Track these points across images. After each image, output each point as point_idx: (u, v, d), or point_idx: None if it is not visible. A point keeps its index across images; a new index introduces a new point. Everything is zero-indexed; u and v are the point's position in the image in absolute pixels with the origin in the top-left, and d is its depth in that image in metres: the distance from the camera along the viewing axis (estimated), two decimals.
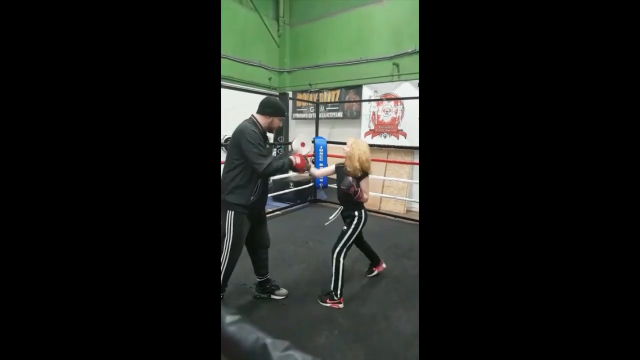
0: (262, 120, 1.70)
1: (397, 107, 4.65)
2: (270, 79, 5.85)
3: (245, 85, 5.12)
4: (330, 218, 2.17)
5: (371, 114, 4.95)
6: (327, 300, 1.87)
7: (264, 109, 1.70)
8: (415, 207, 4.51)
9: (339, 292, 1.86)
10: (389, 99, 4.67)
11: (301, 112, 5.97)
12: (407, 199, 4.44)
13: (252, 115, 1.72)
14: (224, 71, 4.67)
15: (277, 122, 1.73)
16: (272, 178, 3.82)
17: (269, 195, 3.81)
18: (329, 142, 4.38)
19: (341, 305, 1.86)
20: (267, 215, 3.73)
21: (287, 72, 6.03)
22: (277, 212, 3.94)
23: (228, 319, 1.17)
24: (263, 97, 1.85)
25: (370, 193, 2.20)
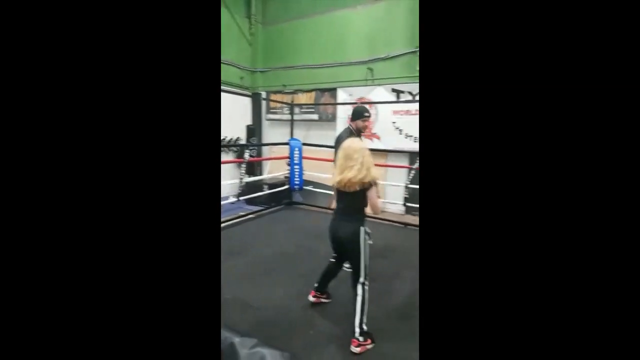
0: (353, 125, 2.19)
1: (371, 110, 4.74)
2: (242, 78, 5.71)
3: None
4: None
5: (347, 117, 4.99)
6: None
7: (352, 115, 2.22)
8: (390, 208, 4.60)
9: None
10: (363, 103, 4.74)
11: (275, 113, 5.88)
12: (382, 200, 4.52)
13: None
14: None
15: (360, 123, 2.18)
16: (245, 180, 3.71)
17: (242, 198, 3.72)
18: (304, 144, 4.35)
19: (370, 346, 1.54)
20: (240, 219, 3.63)
21: (260, 72, 5.92)
22: (251, 216, 3.82)
23: None
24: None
25: None
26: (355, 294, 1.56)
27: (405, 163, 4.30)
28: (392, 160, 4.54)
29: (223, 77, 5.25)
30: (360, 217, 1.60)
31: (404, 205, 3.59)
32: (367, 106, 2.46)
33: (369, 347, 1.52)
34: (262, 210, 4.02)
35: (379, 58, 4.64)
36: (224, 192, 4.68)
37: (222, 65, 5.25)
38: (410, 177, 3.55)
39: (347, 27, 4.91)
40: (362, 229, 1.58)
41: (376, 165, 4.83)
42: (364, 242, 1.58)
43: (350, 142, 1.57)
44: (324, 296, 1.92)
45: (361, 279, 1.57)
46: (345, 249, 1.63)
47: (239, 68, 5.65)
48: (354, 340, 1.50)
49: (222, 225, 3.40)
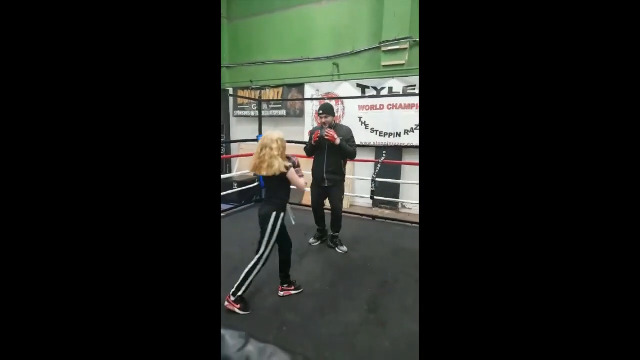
0: None
1: (338, 106, 4.82)
2: None
3: None
4: None
5: (314, 112, 5.03)
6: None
7: None
8: (358, 201, 4.75)
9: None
10: (330, 99, 4.80)
11: (243, 109, 5.77)
12: (350, 194, 4.65)
13: None
14: None
15: (318, 119, 2.44)
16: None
17: None
18: None
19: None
20: None
21: (226, 67, 5.76)
22: (222, 214, 3.77)
23: None
24: None
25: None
26: (250, 264, 1.79)
27: (372, 157, 4.44)
28: (358, 154, 4.65)
29: None
30: (277, 202, 1.79)
31: (371, 198, 3.73)
32: (331, 103, 2.56)
33: (237, 310, 1.75)
34: (232, 208, 3.98)
35: (344, 54, 4.71)
36: None
37: None
38: (377, 171, 3.69)
39: (313, 23, 4.91)
40: (274, 213, 1.77)
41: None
42: (273, 225, 1.77)
43: (269, 133, 1.74)
44: (292, 288, 2.01)
45: (259, 254, 1.79)
46: (260, 226, 1.82)
47: None
48: (228, 296, 1.77)
49: None
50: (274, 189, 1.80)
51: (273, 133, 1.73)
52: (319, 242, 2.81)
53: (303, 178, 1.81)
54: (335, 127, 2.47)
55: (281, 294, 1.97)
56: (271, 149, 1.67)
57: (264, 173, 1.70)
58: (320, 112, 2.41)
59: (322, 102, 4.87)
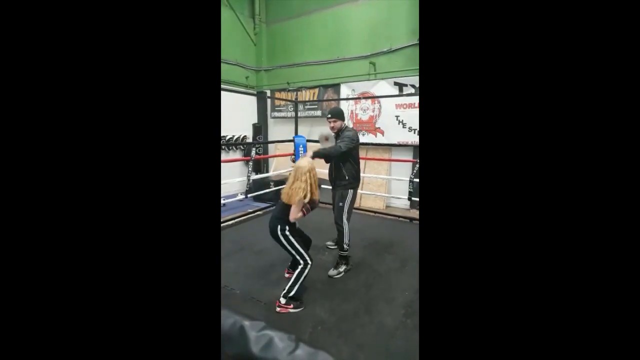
0: None
1: (374, 105, 4.74)
2: (247, 77, 5.77)
3: (222, 84, 5.02)
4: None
5: (349, 112, 5.01)
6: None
7: None
8: (395, 202, 4.63)
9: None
10: (366, 98, 4.74)
11: (280, 110, 5.93)
12: (386, 195, 4.55)
13: None
14: None
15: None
16: (252, 178, 3.79)
17: (250, 195, 3.80)
18: (309, 140, 4.39)
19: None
20: (248, 216, 3.72)
21: (265, 70, 5.96)
22: (259, 212, 3.91)
23: None
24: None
25: None
26: (294, 272, 1.87)
27: (409, 157, 4.30)
28: (396, 154, 4.55)
29: (229, 78, 5.33)
30: (283, 219, 1.85)
31: (409, 199, 3.60)
32: (340, 108, 2.46)
33: (290, 310, 1.82)
34: (269, 206, 4.10)
35: (381, 52, 4.62)
36: (233, 189, 4.78)
37: (228, 65, 5.33)
38: (415, 171, 3.56)
39: (349, 22, 4.89)
40: (279, 226, 1.84)
41: (380, 160, 4.79)
42: (285, 237, 1.84)
43: (300, 162, 1.86)
44: (291, 306, 1.95)
45: (301, 265, 1.85)
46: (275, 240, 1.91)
47: (245, 68, 5.70)
48: (277, 301, 1.83)
49: (231, 222, 3.50)
50: (281, 210, 1.88)
51: (303, 163, 1.84)
52: (335, 245, 2.66)
53: (301, 213, 1.83)
54: (343, 130, 2.33)
55: (287, 275, 2.04)
56: (300, 181, 1.80)
57: (291, 202, 1.81)
58: (329, 116, 2.33)
59: (358, 101, 4.84)
